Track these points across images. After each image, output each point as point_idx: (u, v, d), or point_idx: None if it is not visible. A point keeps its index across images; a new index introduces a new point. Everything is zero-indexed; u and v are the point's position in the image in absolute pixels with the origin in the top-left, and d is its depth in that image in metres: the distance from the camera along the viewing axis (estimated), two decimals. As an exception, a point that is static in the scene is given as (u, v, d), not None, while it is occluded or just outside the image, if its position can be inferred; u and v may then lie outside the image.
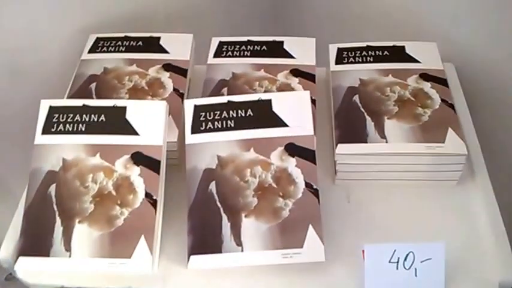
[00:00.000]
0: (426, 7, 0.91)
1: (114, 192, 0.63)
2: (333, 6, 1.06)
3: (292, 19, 1.17)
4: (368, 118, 0.72)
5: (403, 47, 0.81)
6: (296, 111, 0.69)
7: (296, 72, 0.77)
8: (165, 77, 0.77)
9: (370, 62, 0.78)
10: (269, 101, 0.70)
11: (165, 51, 0.82)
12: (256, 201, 0.65)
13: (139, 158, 0.65)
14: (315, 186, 0.65)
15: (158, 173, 0.66)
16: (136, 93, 0.75)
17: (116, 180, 0.64)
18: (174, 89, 0.75)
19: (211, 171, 0.65)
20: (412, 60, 0.79)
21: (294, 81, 0.76)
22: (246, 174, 0.65)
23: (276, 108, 0.69)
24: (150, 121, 0.69)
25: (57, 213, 0.64)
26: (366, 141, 0.69)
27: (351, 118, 0.73)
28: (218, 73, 0.77)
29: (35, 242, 0.63)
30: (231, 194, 0.65)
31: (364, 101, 0.73)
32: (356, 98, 0.75)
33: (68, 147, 0.65)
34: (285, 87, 0.77)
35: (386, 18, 0.97)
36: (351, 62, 0.78)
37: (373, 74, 0.76)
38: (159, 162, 0.67)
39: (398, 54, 0.80)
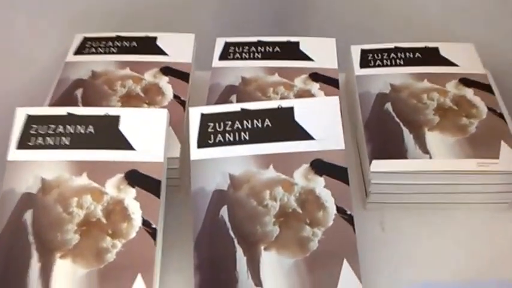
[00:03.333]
0: (454, 7, 0.81)
1: (104, 220, 0.52)
2: (346, 3, 0.96)
3: (298, 19, 1.07)
4: (405, 129, 0.61)
5: (436, 49, 0.71)
6: (323, 120, 0.58)
7: (316, 76, 0.66)
8: (164, 82, 0.66)
9: (400, 65, 0.67)
10: (291, 109, 0.59)
11: (163, 53, 0.71)
12: (278, 230, 0.53)
13: (135, 178, 0.54)
14: (348, 212, 0.54)
15: (158, 195, 0.55)
16: (130, 100, 0.64)
17: (106, 204, 0.53)
18: (175, 96, 0.64)
19: (222, 194, 0.55)
20: (449, 63, 0.69)
21: (314, 86, 0.65)
22: (264, 197, 0.54)
23: (299, 117, 0.58)
24: (148, 133, 0.57)
25: (33, 246, 0.52)
26: (405, 157, 0.58)
27: (384, 130, 0.62)
28: (225, 78, 0.66)
29: (6, 284, 0.51)
30: (246, 222, 0.54)
31: (399, 110, 0.62)
32: (388, 106, 0.65)
33: (47, 164, 0.55)
34: (304, 94, 0.66)
35: (405, 18, 0.87)
36: (378, 66, 0.68)
37: (406, 79, 0.65)
38: (159, 182, 0.55)
39: (432, 56, 0.70)
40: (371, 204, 0.61)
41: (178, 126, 0.63)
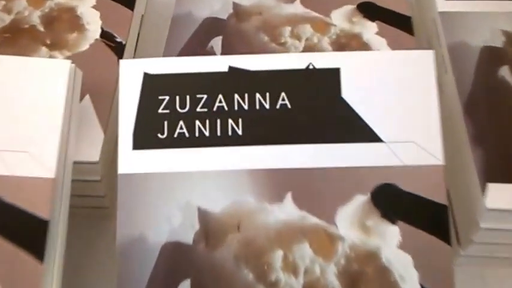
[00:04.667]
0: None
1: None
2: None
3: None
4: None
5: None
6: (401, 102, 0.27)
7: (369, 9, 0.34)
8: (87, 5, 0.34)
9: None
10: (334, 72, 0.28)
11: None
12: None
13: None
14: None
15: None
16: (17, 38, 0.33)
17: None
18: (104, 34, 0.31)
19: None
20: None
21: (368, 27, 0.34)
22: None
23: (348, 91, 0.28)
24: (34, 109, 0.27)
25: None
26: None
27: (503, 118, 0.32)
28: (203, 4, 0.33)
29: None
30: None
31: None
32: (504, 71, 0.34)
33: None
34: (352, 42, 0.35)
35: None
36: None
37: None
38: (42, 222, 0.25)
39: None
40: (473, 250, 0.32)
41: (105, 95, 0.32)
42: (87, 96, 0.31)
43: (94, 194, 0.32)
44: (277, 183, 0.27)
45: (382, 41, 0.35)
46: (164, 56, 0.35)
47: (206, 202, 0.27)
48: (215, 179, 0.27)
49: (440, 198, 0.27)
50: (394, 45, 0.35)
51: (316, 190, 0.27)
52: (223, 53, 0.35)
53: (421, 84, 0.28)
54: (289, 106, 0.28)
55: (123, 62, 0.28)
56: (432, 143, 0.28)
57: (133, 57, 0.36)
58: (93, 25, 0.35)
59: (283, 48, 0.35)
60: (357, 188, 0.27)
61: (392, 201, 0.27)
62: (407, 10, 0.37)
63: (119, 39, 0.35)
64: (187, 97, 0.28)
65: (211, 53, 0.35)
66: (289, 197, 0.27)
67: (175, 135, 0.27)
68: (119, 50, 0.34)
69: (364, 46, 0.35)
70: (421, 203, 0.27)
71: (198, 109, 0.28)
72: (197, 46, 0.35)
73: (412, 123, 0.28)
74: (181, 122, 0.28)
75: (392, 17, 0.37)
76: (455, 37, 0.36)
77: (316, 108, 0.28)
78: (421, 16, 0.41)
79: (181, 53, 0.35)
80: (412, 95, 0.28)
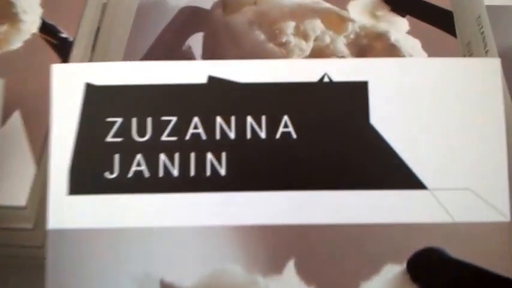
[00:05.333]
0: None
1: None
2: None
3: None
4: None
5: None
6: (453, 132, 0.19)
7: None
8: None
9: None
10: (360, 88, 0.19)
11: None
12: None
13: None
14: None
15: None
16: None
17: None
18: (45, 26, 0.22)
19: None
20: None
21: (397, 24, 0.25)
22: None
23: (379, 115, 0.19)
24: None
25: None
26: None
27: None
28: None
29: None
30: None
31: None
32: None
33: None
34: (375, 43, 0.27)
35: None
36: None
37: None
38: None
39: None
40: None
41: (40, 114, 0.23)
42: (16, 113, 0.23)
43: (27, 244, 0.24)
44: (276, 245, 0.19)
45: (415, 43, 0.27)
46: (125, 58, 0.26)
47: (173, 273, 0.19)
48: (187, 238, 0.19)
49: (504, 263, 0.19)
50: (430, 49, 0.26)
51: (329, 253, 0.19)
52: (205, 55, 0.27)
53: (483, 106, 0.20)
54: (293, 136, 0.19)
55: (56, 67, 0.20)
56: (495, 190, 0.19)
57: (90, 60, 0.28)
58: (31, 15, 0.27)
59: (284, 50, 0.26)
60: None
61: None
62: (447, 2, 0.28)
63: (63, 35, 0.26)
64: (149, 120, 0.19)
65: (188, 55, 0.27)
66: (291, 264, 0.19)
67: (130, 175, 0.19)
68: (63, 49, 0.26)
69: (392, 49, 0.27)
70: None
71: (164, 137, 0.19)
72: (169, 45, 0.27)
73: (468, 162, 0.19)
74: (138, 156, 0.19)
75: (428, 11, 0.28)
76: (508, 39, 0.28)
77: (332, 140, 0.19)
78: (459, 12, 0.32)
79: (148, 55, 0.26)
80: (470, 122, 0.20)
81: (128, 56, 0.26)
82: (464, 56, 0.27)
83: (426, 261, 0.19)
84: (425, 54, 0.26)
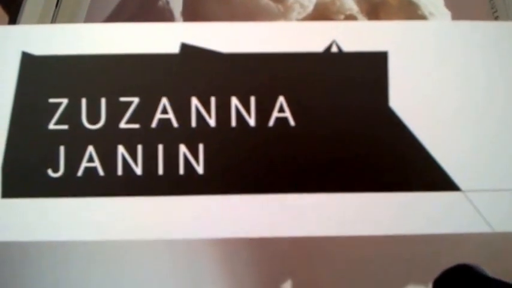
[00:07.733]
0: None
1: None
2: None
3: None
4: None
5: None
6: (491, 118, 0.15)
7: None
8: None
9: None
10: (378, 59, 0.15)
11: None
12: None
13: None
14: None
15: None
16: None
17: None
18: None
19: None
20: None
21: None
22: None
23: (400, 97, 0.15)
24: None
25: None
26: None
27: None
28: None
29: None
30: None
31: None
32: None
33: None
34: (400, 12, 0.22)
35: None
36: None
37: None
38: None
39: None
40: None
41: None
42: None
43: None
44: (270, 264, 0.15)
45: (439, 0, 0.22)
46: (87, 18, 0.21)
47: (136, 297, 0.15)
48: (155, 252, 0.15)
49: None
50: (454, 5, 0.22)
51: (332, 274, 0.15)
52: (186, 13, 0.22)
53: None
54: (291, 122, 0.15)
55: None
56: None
57: (53, 22, 0.23)
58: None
59: (281, 6, 0.22)
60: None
61: None
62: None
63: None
64: (103, 101, 0.15)
65: (165, 12, 0.22)
66: None
67: (80, 173, 0.15)
68: (12, 3, 0.21)
69: (409, 5, 0.22)
70: None
71: (123, 124, 0.15)
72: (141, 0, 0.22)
73: (508, 158, 0.15)
74: (90, 149, 0.15)
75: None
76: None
77: (340, 130, 0.15)
78: None
79: (115, 13, 0.22)
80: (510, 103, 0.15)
81: (91, 14, 0.21)
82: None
83: (457, 280, 0.15)
84: (449, 13, 0.22)
